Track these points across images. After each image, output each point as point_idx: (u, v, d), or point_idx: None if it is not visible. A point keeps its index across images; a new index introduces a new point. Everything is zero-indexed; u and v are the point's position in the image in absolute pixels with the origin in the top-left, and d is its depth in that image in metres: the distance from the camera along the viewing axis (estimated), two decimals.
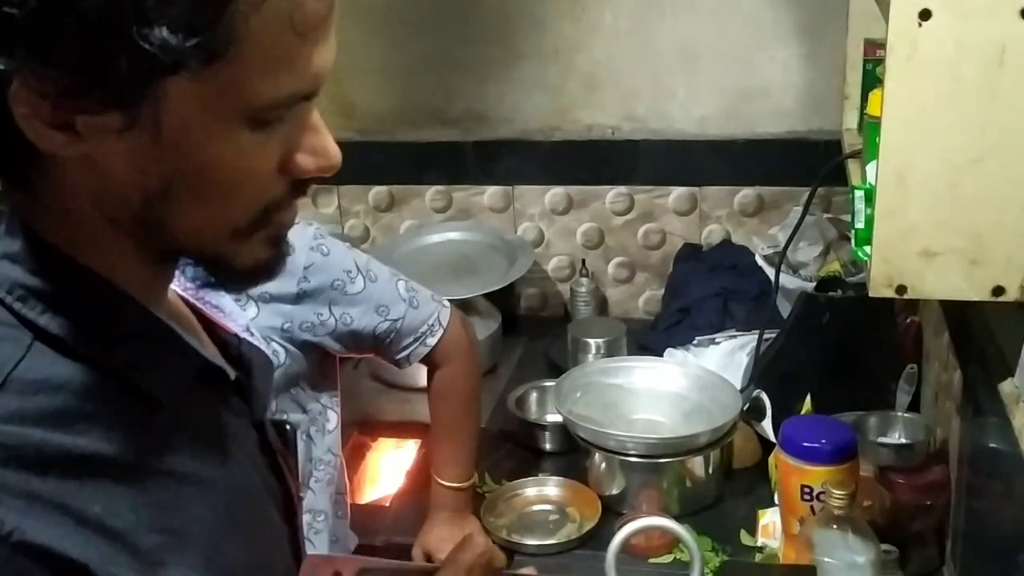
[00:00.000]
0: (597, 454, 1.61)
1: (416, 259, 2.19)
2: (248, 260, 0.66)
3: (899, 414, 1.52)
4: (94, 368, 0.61)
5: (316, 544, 1.47)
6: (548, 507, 1.64)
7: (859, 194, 1.06)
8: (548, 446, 1.80)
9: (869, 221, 1.03)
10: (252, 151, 0.61)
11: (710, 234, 2.21)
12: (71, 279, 0.63)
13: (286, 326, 1.37)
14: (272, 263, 0.68)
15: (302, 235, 1.38)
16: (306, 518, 1.46)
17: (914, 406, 1.65)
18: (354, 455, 1.97)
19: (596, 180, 2.22)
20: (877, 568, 1.20)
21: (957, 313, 1.43)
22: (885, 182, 0.99)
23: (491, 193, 2.27)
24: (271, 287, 1.35)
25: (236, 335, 0.78)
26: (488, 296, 2.13)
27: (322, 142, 0.64)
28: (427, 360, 1.51)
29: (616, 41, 2.12)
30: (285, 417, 1.39)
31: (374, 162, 2.29)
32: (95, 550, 0.58)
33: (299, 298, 1.37)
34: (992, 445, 1.19)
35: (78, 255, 0.63)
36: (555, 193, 2.25)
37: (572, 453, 1.71)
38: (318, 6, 0.59)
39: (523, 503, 1.66)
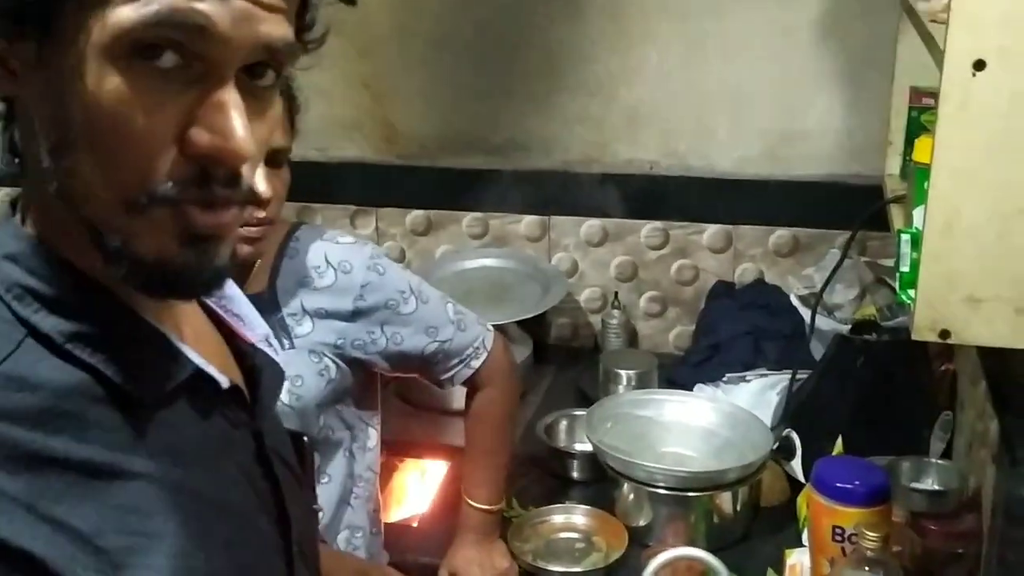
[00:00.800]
0: (626, 484, 1.62)
1: (451, 284, 2.21)
2: (151, 246, 0.61)
3: (933, 460, 1.52)
4: (79, 368, 0.63)
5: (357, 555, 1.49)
6: (575, 535, 1.65)
7: (905, 238, 1.07)
8: (576, 474, 1.81)
9: (915, 265, 1.04)
10: (136, 95, 0.58)
11: (743, 272, 2.22)
12: (65, 281, 0.64)
13: (339, 342, 1.39)
14: (188, 265, 0.63)
15: (360, 254, 1.40)
16: (344, 534, 1.47)
17: (947, 453, 1.65)
18: (381, 475, 1.98)
19: (632, 214, 2.24)
20: None
21: (996, 362, 1.44)
22: (932, 227, 1.00)
23: (528, 222, 2.30)
24: (327, 303, 1.37)
25: (252, 344, 0.79)
26: (520, 323, 2.15)
27: (224, 122, 0.59)
28: (469, 382, 1.52)
29: (660, 78, 2.15)
30: (320, 432, 1.40)
31: (413, 186, 2.32)
32: (56, 549, 0.59)
33: (354, 316, 1.39)
34: None
35: (73, 257, 0.65)
36: (591, 225, 2.27)
37: (600, 482, 1.71)
38: None
39: (550, 530, 1.66)
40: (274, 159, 1.29)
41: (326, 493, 1.43)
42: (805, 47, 2.06)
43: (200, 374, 0.70)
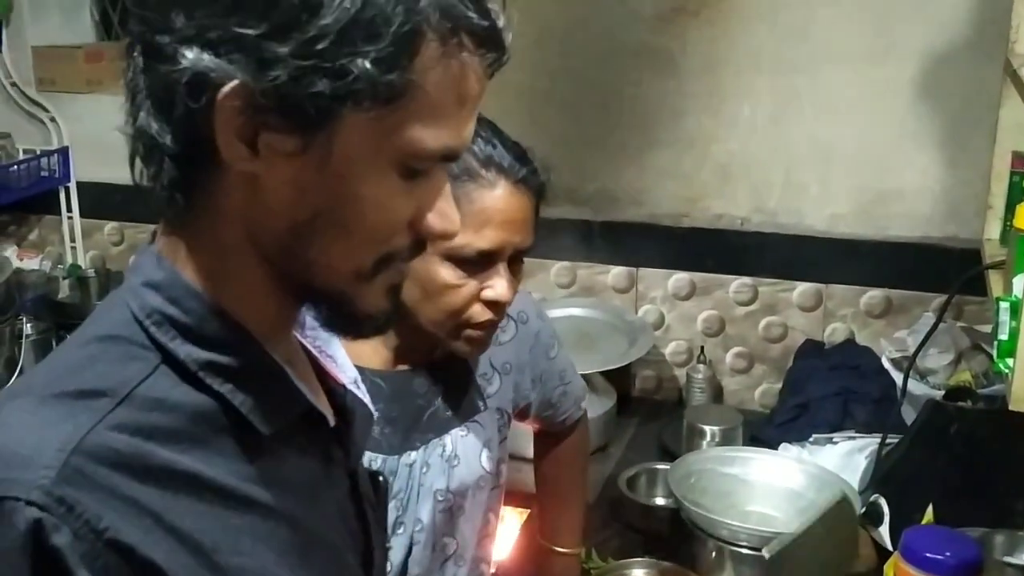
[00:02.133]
0: (709, 542, 1.60)
1: None
2: (370, 306, 0.71)
3: None
4: (209, 396, 0.68)
5: None
6: None
7: (1004, 306, 1.06)
8: (657, 529, 1.79)
9: (1014, 334, 1.03)
10: (397, 197, 0.67)
11: (833, 332, 2.19)
12: (203, 314, 0.69)
13: (513, 396, 1.34)
14: (390, 314, 0.73)
15: (531, 304, 1.37)
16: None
17: None
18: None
19: (721, 269, 2.23)
20: None
21: None
22: None
23: (616, 273, 2.31)
24: (511, 357, 1.31)
25: (343, 385, 0.82)
26: (604, 374, 2.15)
27: (449, 208, 0.71)
28: (566, 427, 1.52)
29: (752, 134, 2.16)
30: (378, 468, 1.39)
31: None
32: (178, 560, 0.63)
33: (529, 365, 1.34)
34: None
35: (211, 291, 0.69)
36: (679, 278, 2.27)
37: (681, 538, 1.70)
38: (476, 85, 0.68)
39: None
40: (518, 259, 1.19)
41: (488, 552, 1.37)
42: (901, 105, 2.05)
43: (312, 411, 0.74)
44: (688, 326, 2.29)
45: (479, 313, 1.14)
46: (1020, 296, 1.02)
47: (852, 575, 1.64)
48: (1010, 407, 1.02)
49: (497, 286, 1.13)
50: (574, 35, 2.22)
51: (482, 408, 1.28)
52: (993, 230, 1.63)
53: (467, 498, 1.25)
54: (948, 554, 1.27)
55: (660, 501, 1.85)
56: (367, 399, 0.84)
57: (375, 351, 1.19)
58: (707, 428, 1.93)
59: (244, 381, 0.69)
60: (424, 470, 1.21)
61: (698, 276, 2.25)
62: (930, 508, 1.53)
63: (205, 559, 0.65)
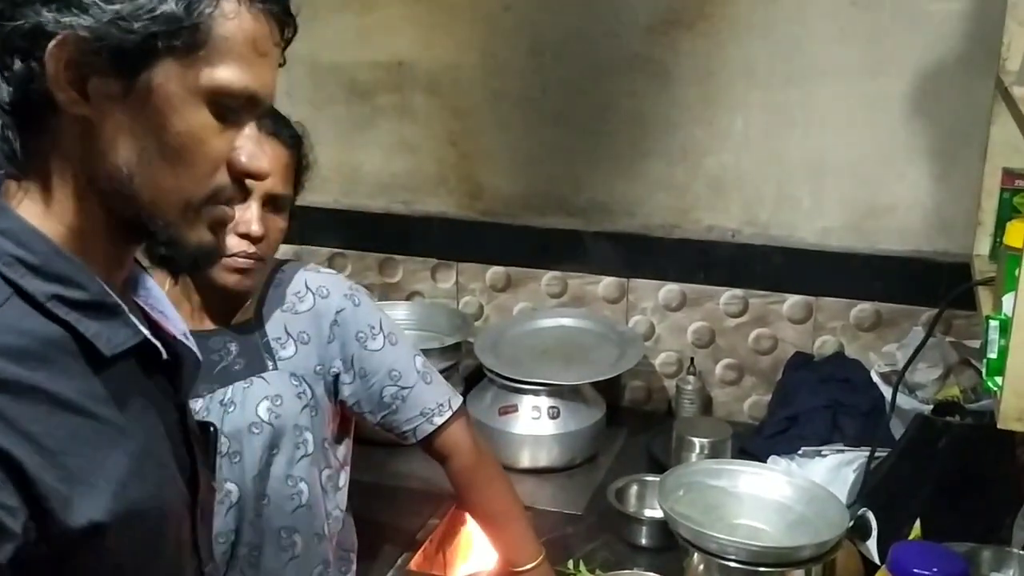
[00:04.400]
0: (696, 554, 1.60)
1: (527, 341, 2.23)
2: (196, 238, 0.83)
3: (1015, 551, 1.47)
4: (58, 325, 0.77)
5: None
6: None
7: (993, 324, 1.06)
8: (645, 541, 1.79)
9: (1003, 352, 1.03)
10: (212, 135, 0.80)
11: (823, 345, 2.19)
12: (49, 255, 0.79)
13: (318, 368, 1.46)
14: (212, 248, 0.85)
15: (339, 284, 1.51)
16: (319, 569, 1.49)
17: None
18: (450, 529, 2.00)
19: (712, 280, 2.24)
20: None
21: None
22: (1022, 315, 0.99)
23: (606, 283, 2.31)
24: (307, 327, 1.45)
25: (173, 335, 0.92)
26: (594, 385, 2.15)
27: (258, 151, 0.84)
28: (434, 446, 1.55)
29: (745, 147, 2.16)
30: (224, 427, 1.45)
31: (495, 243, 2.36)
32: (31, 458, 0.73)
33: (330, 341, 1.46)
34: None
35: (56, 234, 0.80)
36: (669, 289, 2.27)
37: (669, 551, 1.69)
38: (271, 39, 0.82)
39: None
40: (273, 203, 1.39)
41: (303, 524, 1.45)
42: (894, 119, 2.05)
43: (147, 342, 0.85)
44: (678, 337, 2.29)
45: (235, 244, 1.35)
46: (1009, 314, 1.02)
47: None
48: (999, 425, 1.02)
49: (245, 219, 1.35)
50: (568, 45, 2.22)
51: (270, 367, 1.42)
52: (983, 246, 1.64)
53: (242, 444, 1.37)
54: (935, 570, 1.27)
55: (648, 513, 1.84)
56: (195, 348, 0.95)
57: (183, 312, 1.31)
58: (696, 440, 1.93)
59: (88, 312, 0.79)
60: (205, 415, 1.37)
61: (689, 287, 2.26)
62: (918, 522, 1.53)
63: (53, 459, 0.74)
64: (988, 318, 1.07)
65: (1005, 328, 1.04)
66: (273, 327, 1.45)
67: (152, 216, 0.81)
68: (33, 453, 0.73)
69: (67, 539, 0.76)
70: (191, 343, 0.96)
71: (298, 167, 1.44)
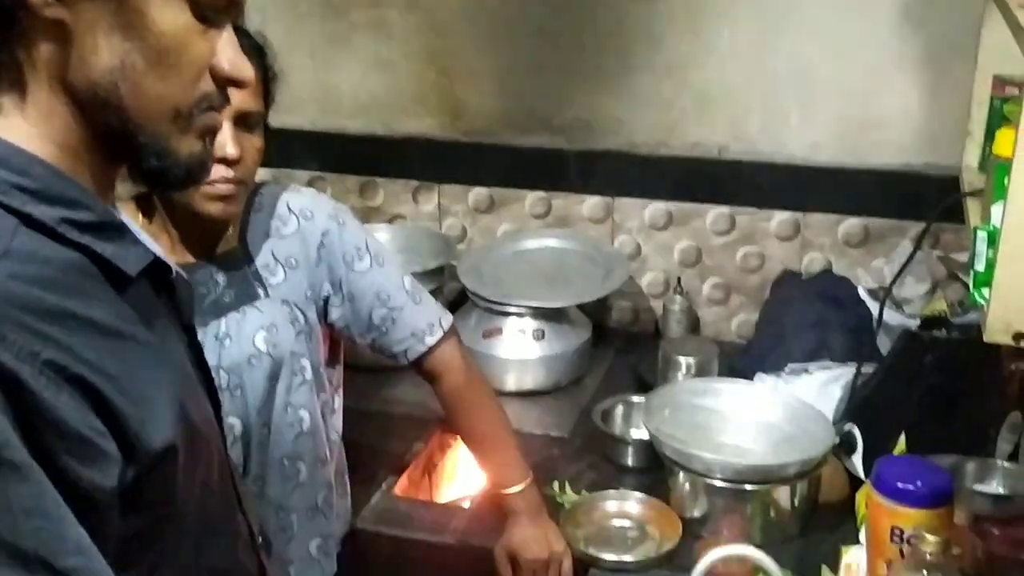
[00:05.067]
0: (682, 474, 1.60)
1: (511, 264, 2.21)
2: (186, 149, 0.78)
3: (1000, 463, 1.47)
4: (73, 249, 0.73)
5: (329, 518, 1.51)
6: (627, 523, 1.64)
7: (981, 235, 1.03)
8: (631, 462, 1.79)
9: (990, 264, 1.00)
10: (194, 36, 0.76)
11: (811, 262, 2.17)
12: (46, 176, 0.74)
13: (308, 293, 1.43)
14: (204, 158, 0.81)
15: (323, 204, 1.46)
16: (323, 493, 1.50)
17: (1014, 456, 1.60)
18: (436, 453, 1.99)
19: (698, 198, 2.20)
20: None
21: None
22: (1011, 225, 0.96)
23: (591, 203, 2.27)
24: (294, 251, 1.42)
25: (168, 266, 0.88)
26: (580, 306, 2.13)
27: (240, 58, 0.80)
28: (425, 367, 1.53)
29: (732, 60, 2.10)
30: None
31: (477, 163, 2.31)
32: (102, 384, 0.70)
33: (318, 264, 1.43)
34: None
35: (48, 156, 0.74)
36: (655, 208, 2.23)
37: (655, 471, 1.69)
38: None
39: (602, 516, 1.65)
40: (244, 122, 1.33)
41: (306, 451, 1.44)
42: (883, 30, 2.00)
43: (158, 262, 0.82)
44: (665, 257, 2.26)
45: (212, 170, 1.27)
46: (998, 225, 0.99)
47: (824, 504, 1.64)
48: (985, 339, 1.00)
49: (219, 142, 1.27)
50: None
51: (262, 295, 1.39)
52: (972, 157, 1.60)
53: (242, 376, 1.35)
54: (919, 483, 1.26)
55: (635, 434, 1.84)
56: (184, 274, 0.91)
57: (162, 247, 1.29)
58: (682, 360, 1.92)
59: (98, 233, 0.75)
60: None
61: (675, 206, 2.22)
62: (903, 437, 1.52)
63: (117, 384, 0.71)
64: (976, 229, 1.04)
65: (993, 239, 1.01)
66: (259, 254, 1.41)
67: (141, 126, 0.76)
68: (101, 379, 0.70)
69: (148, 463, 0.73)
70: (184, 273, 0.92)
71: (265, 78, 1.38)
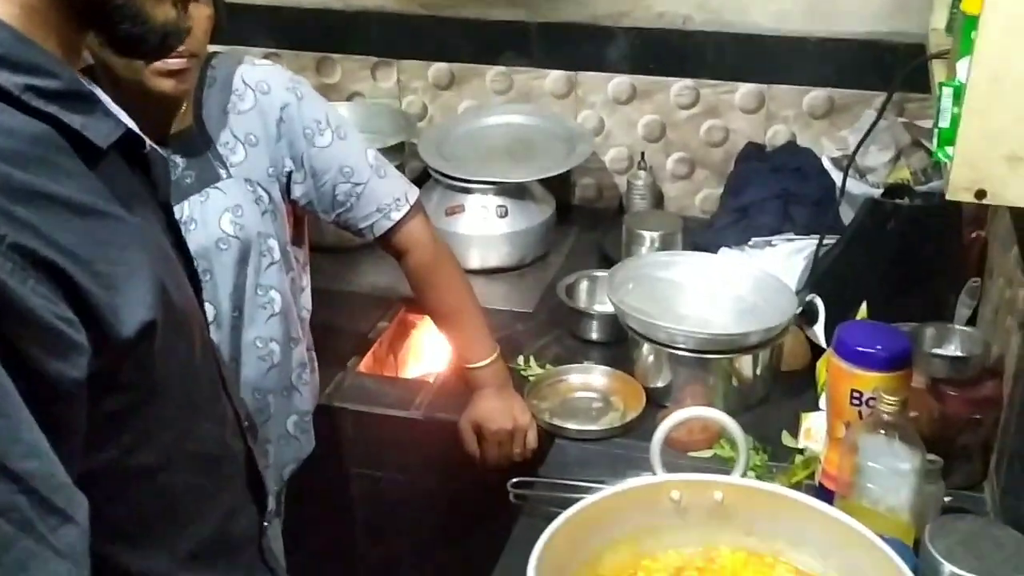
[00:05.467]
0: (645, 346, 1.60)
1: (473, 140, 2.17)
2: (161, 16, 0.77)
3: (957, 327, 1.49)
4: (39, 120, 0.69)
5: (304, 395, 1.52)
6: (592, 395, 1.65)
7: (947, 91, 1.01)
8: (595, 335, 1.80)
9: (955, 120, 0.98)
10: None
11: (775, 135, 2.15)
12: (10, 40, 0.69)
13: (271, 171, 1.39)
14: (179, 25, 0.79)
15: (279, 76, 1.41)
16: (297, 371, 1.50)
17: (972, 321, 1.62)
18: (400, 332, 1.99)
19: (662, 71, 2.16)
20: (920, 476, 1.19)
21: None
22: (977, 80, 0.94)
23: (554, 78, 2.22)
24: (253, 127, 1.37)
25: (142, 139, 0.84)
26: (543, 183, 2.11)
27: None
28: (391, 242, 1.51)
29: None
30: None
31: (436, 38, 2.25)
32: (72, 268, 0.66)
33: (278, 140, 1.38)
34: None
35: (7, 18, 0.70)
36: (619, 82, 2.19)
37: (619, 344, 1.70)
38: None
39: (567, 389, 1.67)
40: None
41: (278, 332, 1.43)
42: None
43: (130, 134, 0.78)
44: (629, 132, 2.23)
45: None
46: (964, 81, 0.97)
47: (786, 373, 1.66)
48: (947, 196, 0.99)
49: None
50: None
51: (224, 176, 1.35)
52: (940, 19, 1.57)
53: (211, 261, 1.33)
54: (879, 347, 1.27)
55: (599, 308, 1.84)
56: (156, 146, 0.87)
57: None
58: (646, 234, 1.91)
59: (66, 103, 0.71)
60: None
61: (639, 79, 2.18)
62: (864, 305, 1.54)
63: (89, 268, 0.68)
64: (941, 84, 1.02)
65: (959, 95, 0.99)
66: (217, 132, 1.36)
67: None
68: (72, 264, 0.66)
69: (121, 349, 0.70)
70: (152, 144, 0.87)
71: None
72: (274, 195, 1.40)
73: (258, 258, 1.37)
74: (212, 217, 1.33)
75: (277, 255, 1.40)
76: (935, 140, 1.04)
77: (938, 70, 1.32)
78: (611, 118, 2.23)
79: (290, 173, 1.41)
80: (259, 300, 1.39)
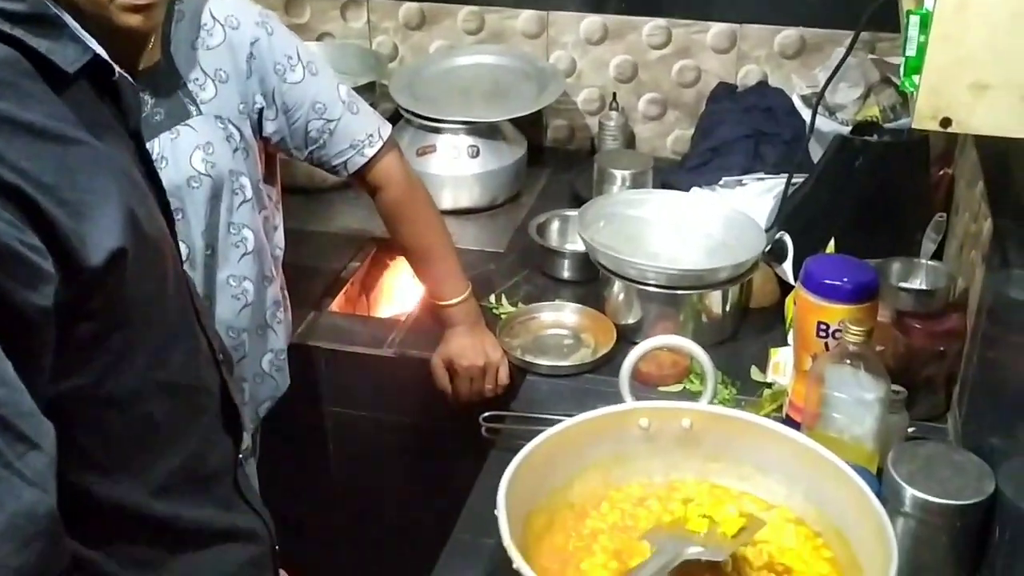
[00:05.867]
0: (616, 282, 1.61)
1: (445, 81, 2.15)
2: None
3: (923, 261, 1.50)
4: (3, 43, 0.68)
5: (279, 333, 1.52)
6: (563, 332, 1.66)
7: (914, 19, 1.01)
8: (567, 274, 1.81)
9: (921, 49, 0.99)
10: None
11: (747, 75, 2.15)
12: None
13: (241, 107, 1.37)
14: None
15: (248, 11, 1.38)
16: (271, 309, 1.50)
17: (938, 256, 1.65)
18: (372, 272, 1.99)
19: (634, 10, 2.14)
20: (885, 406, 1.22)
21: (995, 164, 1.41)
22: (944, 6, 0.94)
23: (525, 17, 2.21)
24: (223, 63, 1.35)
25: (111, 66, 0.83)
26: (515, 124, 2.10)
27: None
28: (365, 179, 1.50)
29: None
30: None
31: None
32: (38, 195, 0.66)
33: (249, 76, 1.36)
34: (1014, 296, 1.18)
35: None
36: (591, 22, 2.18)
37: (590, 283, 1.71)
38: None
39: (538, 326, 1.68)
40: None
41: (251, 270, 1.43)
42: None
43: (97, 59, 0.77)
44: (600, 72, 2.22)
45: None
46: (931, 9, 0.97)
47: (755, 310, 1.68)
48: (914, 125, 0.99)
49: None
50: None
51: (194, 112, 1.33)
52: None
53: (183, 199, 1.31)
54: (845, 280, 1.29)
55: (570, 247, 1.85)
56: (126, 75, 0.85)
57: None
58: (617, 173, 1.91)
59: (31, 26, 0.70)
60: None
61: (611, 19, 2.17)
62: (832, 242, 1.55)
63: (55, 195, 0.67)
64: (909, 13, 1.02)
65: (925, 23, 1.00)
66: (186, 68, 1.33)
67: None
68: (38, 190, 0.65)
69: (90, 277, 0.70)
70: (121, 72, 0.86)
71: None
72: (245, 132, 1.38)
73: (230, 196, 1.36)
74: (183, 155, 1.32)
75: (249, 193, 1.38)
76: (903, 70, 1.05)
77: (907, 0, 1.32)
78: (583, 59, 2.21)
79: (261, 110, 1.39)
80: (232, 239, 1.38)
